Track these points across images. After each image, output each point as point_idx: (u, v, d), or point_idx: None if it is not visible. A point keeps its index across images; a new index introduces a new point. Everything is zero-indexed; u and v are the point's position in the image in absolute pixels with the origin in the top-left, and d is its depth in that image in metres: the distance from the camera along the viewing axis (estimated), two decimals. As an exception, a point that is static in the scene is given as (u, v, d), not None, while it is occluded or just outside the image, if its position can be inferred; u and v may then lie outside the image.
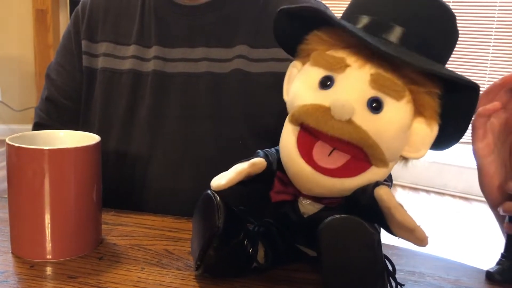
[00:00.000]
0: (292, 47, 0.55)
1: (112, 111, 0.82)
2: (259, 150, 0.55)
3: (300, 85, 0.51)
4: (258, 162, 0.52)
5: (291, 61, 0.56)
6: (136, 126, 0.81)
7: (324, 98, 0.48)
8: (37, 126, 0.89)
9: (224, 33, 0.81)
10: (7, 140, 0.57)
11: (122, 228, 0.66)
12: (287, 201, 0.54)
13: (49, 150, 0.55)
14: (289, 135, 0.50)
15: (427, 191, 3.32)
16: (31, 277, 0.53)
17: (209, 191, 0.51)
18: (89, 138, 0.61)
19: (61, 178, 0.56)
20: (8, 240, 0.59)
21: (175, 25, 0.82)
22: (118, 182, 0.81)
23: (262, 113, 0.78)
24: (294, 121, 0.50)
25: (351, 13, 0.52)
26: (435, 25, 0.50)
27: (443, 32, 0.51)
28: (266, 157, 0.53)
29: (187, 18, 0.81)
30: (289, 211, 0.53)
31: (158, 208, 0.75)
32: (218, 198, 0.50)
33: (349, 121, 0.46)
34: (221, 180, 0.50)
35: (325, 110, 0.47)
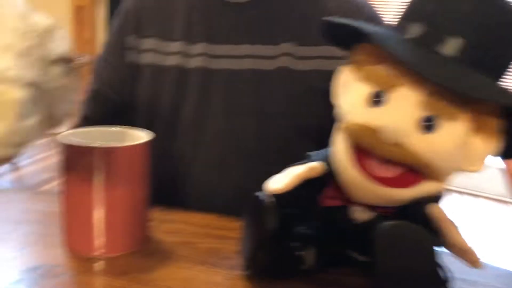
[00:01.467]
0: (346, 43, 0.53)
1: (156, 107, 0.83)
2: (313, 152, 0.54)
3: (350, 101, 0.50)
4: (316, 166, 0.51)
5: (338, 59, 0.54)
6: (180, 123, 0.81)
7: (374, 117, 0.47)
8: (84, 120, 0.90)
9: (269, 30, 0.80)
10: (59, 137, 0.58)
11: (169, 226, 0.67)
12: (338, 206, 0.53)
13: (101, 148, 0.56)
14: (342, 142, 0.50)
15: (460, 192, 3.25)
16: (82, 272, 0.54)
17: (260, 193, 0.51)
18: (141, 135, 0.61)
19: (113, 175, 0.57)
20: (59, 234, 0.60)
21: (221, 22, 0.81)
22: (161, 180, 0.81)
23: (307, 112, 0.78)
24: (346, 136, 0.49)
25: (403, 20, 0.50)
26: (498, 33, 0.46)
27: (508, 40, 0.47)
28: (322, 161, 0.52)
29: (233, 14, 0.81)
30: (339, 216, 0.53)
31: (202, 206, 0.75)
32: (270, 200, 0.50)
33: (398, 144, 0.45)
34: (278, 184, 0.49)
35: (373, 132, 0.46)
